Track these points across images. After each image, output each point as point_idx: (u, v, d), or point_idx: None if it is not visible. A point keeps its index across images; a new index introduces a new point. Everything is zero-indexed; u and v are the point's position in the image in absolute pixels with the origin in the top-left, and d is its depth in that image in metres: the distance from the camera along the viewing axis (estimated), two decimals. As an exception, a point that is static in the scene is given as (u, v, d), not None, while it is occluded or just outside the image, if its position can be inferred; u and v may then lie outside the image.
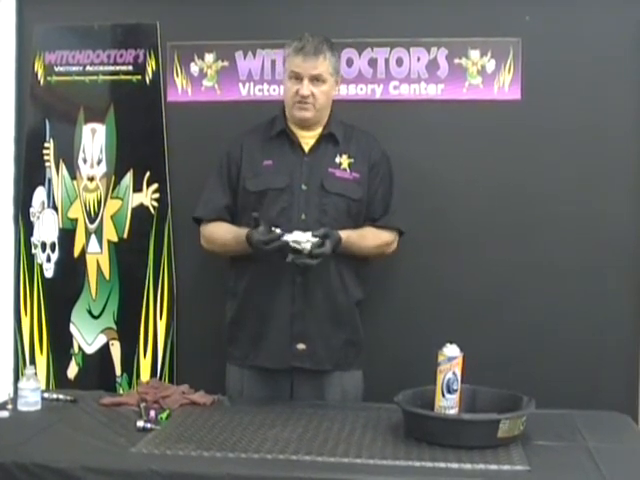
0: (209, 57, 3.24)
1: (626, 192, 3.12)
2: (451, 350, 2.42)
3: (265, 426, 2.44)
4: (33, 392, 2.57)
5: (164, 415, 2.50)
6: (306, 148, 2.83)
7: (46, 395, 2.67)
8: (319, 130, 2.83)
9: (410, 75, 3.16)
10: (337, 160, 2.82)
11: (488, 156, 3.16)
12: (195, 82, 3.25)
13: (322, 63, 2.73)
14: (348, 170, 2.82)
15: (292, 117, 2.81)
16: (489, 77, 3.12)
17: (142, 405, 2.58)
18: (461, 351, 2.42)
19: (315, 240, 2.63)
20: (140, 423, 2.38)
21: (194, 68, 3.25)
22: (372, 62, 3.17)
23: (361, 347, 2.89)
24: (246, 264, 2.80)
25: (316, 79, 2.74)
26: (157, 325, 3.28)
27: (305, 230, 2.66)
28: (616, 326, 3.14)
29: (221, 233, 2.84)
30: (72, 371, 3.37)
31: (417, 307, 3.20)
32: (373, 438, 2.35)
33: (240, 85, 3.23)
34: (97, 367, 3.36)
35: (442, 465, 2.13)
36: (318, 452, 2.22)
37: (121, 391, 3.26)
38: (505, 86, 3.11)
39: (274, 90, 3.21)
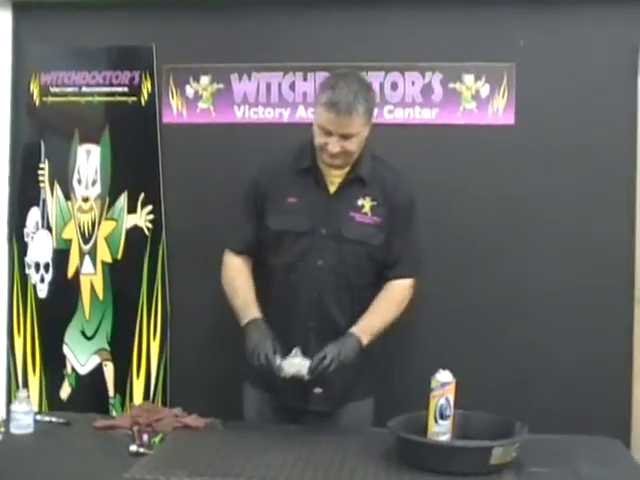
0: (204, 79, 3.24)
1: (619, 212, 3.13)
2: (444, 376, 2.42)
3: (258, 451, 2.42)
4: (26, 415, 2.56)
5: (157, 439, 2.49)
6: (332, 188, 2.72)
7: (39, 417, 2.66)
8: (347, 169, 2.71)
9: (405, 99, 3.17)
10: (360, 202, 2.71)
11: (482, 180, 3.17)
12: (190, 104, 3.26)
13: (355, 121, 2.57)
14: (370, 213, 2.71)
15: (320, 157, 2.70)
16: (483, 102, 3.14)
17: (135, 429, 2.57)
18: (454, 377, 2.42)
19: (309, 364, 2.53)
20: (133, 447, 2.38)
21: (189, 90, 3.26)
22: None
23: (376, 373, 2.85)
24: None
25: (347, 135, 2.60)
26: (150, 346, 3.28)
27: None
28: (609, 348, 3.14)
29: (235, 288, 2.76)
30: (65, 392, 3.37)
31: (413, 328, 3.15)
32: (366, 464, 2.34)
33: (235, 107, 3.24)
34: (90, 388, 3.35)
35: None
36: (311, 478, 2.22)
37: (114, 412, 3.25)
38: (499, 111, 3.13)
39: (269, 113, 3.22)
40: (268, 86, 3.22)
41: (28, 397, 2.61)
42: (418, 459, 2.30)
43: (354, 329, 2.65)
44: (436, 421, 2.41)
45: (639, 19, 3.05)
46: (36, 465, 2.30)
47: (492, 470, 2.25)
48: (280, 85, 3.21)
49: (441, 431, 2.40)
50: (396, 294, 2.77)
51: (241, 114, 3.24)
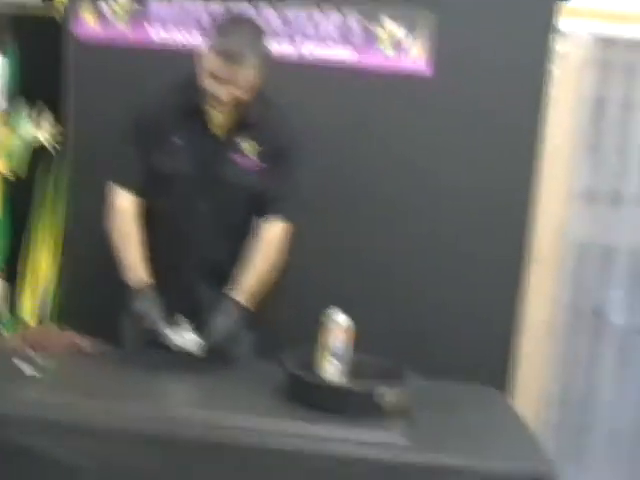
0: (122, -3, 3.16)
1: (519, 172, 3.17)
2: (340, 317, 2.46)
3: (152, 378, 2.45)
4: None
5: (51, 361, 2.46)
6: (218, 131, 2.67)
7: None
8: (235, 113, 2.64)
9: (322, 37, 3.12)
10: (245, 147, 2.68)
11: (393, 129, 3.18)
12: (105, 21, 3.16)
13: (246, 70, 2.52)
14: (255, 158, 2.69)
15: (208, 100, 2.61)
16: (402, 49, 3.13)
17: (29, 351, 2.53)
18: (348, 318, 2.46)
19: (198, 341, 2.54)
20: (28, 370, 2.36)
21: (105, 7, 3.15)
22: (284, 20, 3.13)
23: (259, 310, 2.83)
24: None
25: (238, 84, 2.54)
26: (43, 266, 3.22)
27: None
28: (500, 303, 3.22)
29: (125, 240, 2.67)
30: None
31: (309, 271, 3.18)
32: (257, 399, 2.38)
33: (152, 30, 3.16)
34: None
35: (324, 432, 2.18)
36: (202, 409, 2.25)
37: (4, 332, 3.20)
38: (417, 59, 3.14)
39: (187, 38, 3.14)
40: (186, 11, 3.13)
41: None
42: (310, 397, 2.33)
43: (234, 293, 2.65)
44: (329, 360, 2.45)
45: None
46: None
47: (379, 414, 2.30)
48: (199, 12, 3.13)
49: (333, 371, 2.45)
50: (270, 242, 2.73)
51: (158, 37, 3.15)
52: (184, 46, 3.11)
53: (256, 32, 2.60)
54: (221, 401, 2.33)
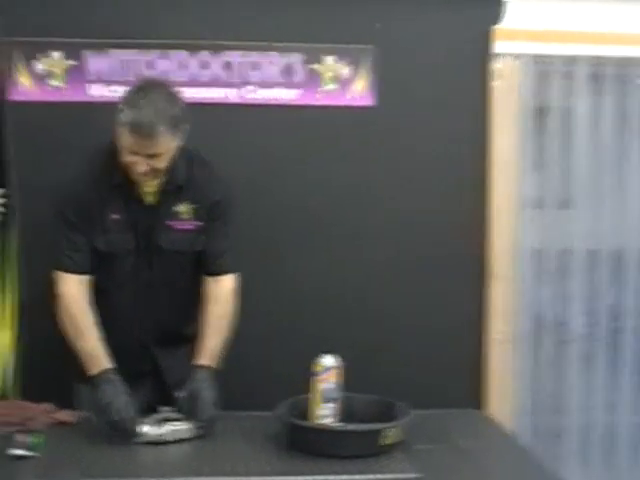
0: (56, 55, 3.08)
1: (471, 195, 3.28)
2: (328, 360, 2.46)
3: (143, 445, 2.38)
4: None
5: (36, 439, 2.36)
6: (149, 199, 2.58)
7: None
8: (162, 178, 2.56)
9: (265, 79, 3.15)
10: (178, 209, 2.60)
11: (341, 161, 3.22)
12: (41, 81, 3.09)
13: (159, 141, 2.41)
14: (191, 218, 2.61)
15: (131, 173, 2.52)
16: (344, 83, 3.18)
17: (9, 430, 2.43)
18: (337, 359, 2.47)
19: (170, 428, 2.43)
20: (16, 451, 2.25)
21: (39, 66, 3.08)
22: (227, 65, 3.14)
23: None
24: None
25: (154, 155, 2.45)
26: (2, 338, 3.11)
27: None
28: (465, 321, 3.30)
29: (79, 329, 2.56)
30: None
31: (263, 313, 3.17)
32: (255, 449, 2.35)
33: (90, 85, 3.11)
34: None
35: (332, 477, 2.17)
36: (208, 470, 2.20)
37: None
38: (360, 92, 3.18)
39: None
40: (124, 63, 3.10)
41: None
42: (308, 444, 2.32)
43: (204, 360, 2.59)
44: (320, 405, 2.44)
45: (491, 6, 3.19)
46: None
47: (383, 451, 2.31)
48: (137, 63, 3.10)
49: (326, 414, 2.44)
50: (226, 304, 2.69)
51: (96, 92, 3.11)
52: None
53: (166, 97, 2.48)
54: (225, 463, 2.28)
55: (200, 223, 2.63)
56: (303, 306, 3.23)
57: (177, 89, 2.55)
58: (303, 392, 2.48)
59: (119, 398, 2.45)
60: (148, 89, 2.48)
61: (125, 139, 2.43)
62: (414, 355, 3.25)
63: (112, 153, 2.53)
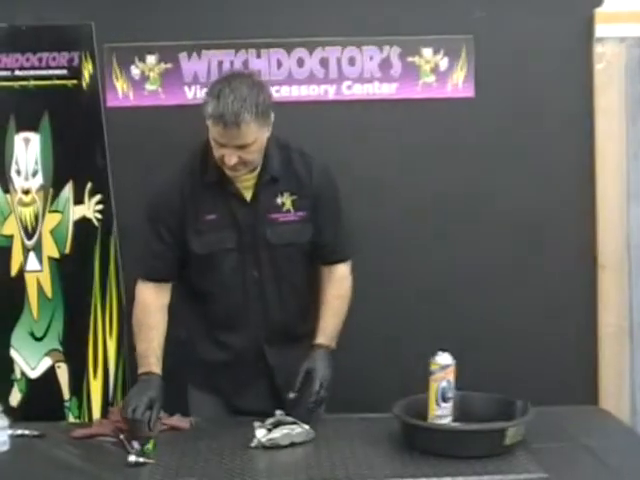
0: (151, 59, 3.07)
1: (578, 185, 3.18)
2: (444, 358, 2.38)
3: (255, 449, 2.31)
4: (2, 431, 2.35)
5: (150, 445, 2.32)
6: (247, 195, 2.53)
7: (9, 432, 2.45)
8: (257, 170, 2.51)
9: (363, 74, 3.09)
10: (279, 201, 2.54)
11: (442, 154, 3.15)
12: (137, 86, 3.08)
13: (246, 131, 2.36)
14: (292, 210, 2.55)
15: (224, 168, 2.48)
16: (442, 75, 3.10)
17: (122, 436, 2.40)
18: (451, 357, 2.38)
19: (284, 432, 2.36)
20: (132, 458, 2.22)
21: (135, 71, 3.08)
22: (324, 62, 3.09)
23: None
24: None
25: (242, 146, 2.40)
26: (107, 344, 3.11)
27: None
28: (575, 315, 3.21)
29: (141, 332, 2.57)
30: (15, 398, 3.13)
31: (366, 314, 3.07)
32: (376, 453, 2.28)
33: (185, 88, 3.09)
34: (43, 392, 3.13)
35: (460, 479, 2.09)
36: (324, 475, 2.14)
37: (71, 417, 3.09)
38: (459, 84, 3.10)
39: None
40: (220, 64, 3.07)
41: (2, 411, 2.39)
42: (432, 445, 2.24)
43: (322, 339, 2.59)
44: (438, 404, 2.36)
45: (593, -11, 3.09)
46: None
47: (505, 451, 2.22)
48: (232, 63, 3.07)
49: (443, 414, 2.36)
50: (343, 285, 2.68)
51: (192, 95, 3.09)
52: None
53: (251, 87, 2.40)
54: (341, 468, 2.21)
55: (302, 213, 2.57)
56: (418, 304, 3.18)
57: (264, 79, 2.55)
58: (408, 392, 2.43)
59: (138, 398, 2.42)
60: (232, 79, 2.44)
61: (212, 131, 2.40)
62: (527, 352, 3.17)
63: (205, 151, 2.51)
